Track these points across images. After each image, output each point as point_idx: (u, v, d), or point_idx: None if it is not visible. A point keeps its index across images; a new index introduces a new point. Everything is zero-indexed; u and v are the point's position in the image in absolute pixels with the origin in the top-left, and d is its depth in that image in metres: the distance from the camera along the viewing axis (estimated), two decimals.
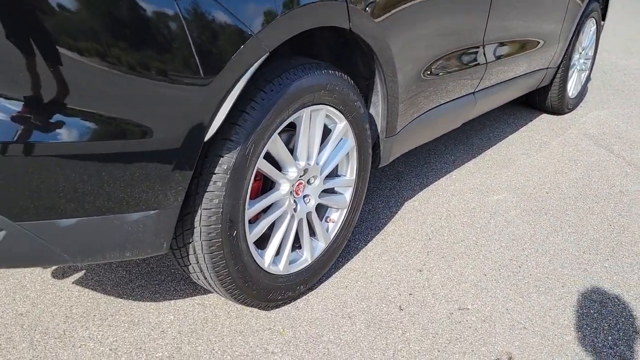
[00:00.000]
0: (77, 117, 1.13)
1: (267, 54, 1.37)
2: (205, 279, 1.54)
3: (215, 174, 1.39)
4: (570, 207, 2.48)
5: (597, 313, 1.80)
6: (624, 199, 2.57)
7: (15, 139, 1.09)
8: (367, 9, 1.62)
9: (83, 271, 1.88)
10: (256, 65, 1.36)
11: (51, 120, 1.11)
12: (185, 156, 1.29)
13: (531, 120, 3.61)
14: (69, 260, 1.27)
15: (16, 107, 1.08)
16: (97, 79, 1.12)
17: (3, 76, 1.06)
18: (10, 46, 1.03)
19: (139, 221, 1.30)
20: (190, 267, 1.53)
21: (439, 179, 2.69)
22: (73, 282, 1.83)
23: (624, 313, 1.81)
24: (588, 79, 4.00)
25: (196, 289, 1.82)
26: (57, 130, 1.12)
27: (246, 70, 1.33)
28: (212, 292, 1.79)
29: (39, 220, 1.18)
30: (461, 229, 2.26)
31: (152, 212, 1.31)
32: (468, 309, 1.79)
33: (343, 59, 1.86)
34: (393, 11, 1.73)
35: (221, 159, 1.39)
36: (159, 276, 1.88)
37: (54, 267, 1.89)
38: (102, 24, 1.09)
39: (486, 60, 2.46)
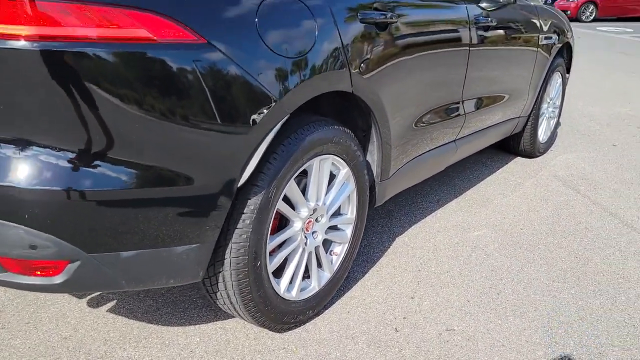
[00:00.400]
0: (136, 169, 1.41)
1: (288, 115, 1.67)
2: (231, 303, 1.80)
3: (244, 213, 1.67)
4: (542, 241, 2.79)
5: (564, 332, 2.08)
6: (589, 235, 2.89)
7: (79, 186, 1.36)
8: (363, 73, 1.94)
9: (114, 301, 2.12)
10: (279, 125, 1.66)
11: (111, 170, 1.39)
12: (222, 199, 1.57)
13: (506, 163, 3.96)
14: (125, 286, 1.53)
15: (85, 159, 1.36)
16: (157, 140, 1.41)
17: (66, 133, 1.34)
18: (71, 109, 1.31)
19: (183, 253, 1.57)
20: (218, 293, 1.79)
21: (426, 217, 3.00)
22: (107, 310, 2.06)
23: (587, 332, 2.09)
24: (557, 125, 4.39)
25: (217, 315, 2.06)
26: (120, 178, 1.40)
27: (271, 129, 1.63)
28: (231, 318, 2.04)
29: (105, 252, 1.45)
30: (446, 261, 2.54)
31: (194, 245, 1.58)
32: (454, 330, 2.06)
33: (345, 114, 2.17)
34: (385, 76, 2.06)
35: (249, 200, 1.67)
36: (182, 304, 2.12)
37: (89, 297, 2.13)
38: (156, 92, 1.39)
39: (465, 112, 2.80)
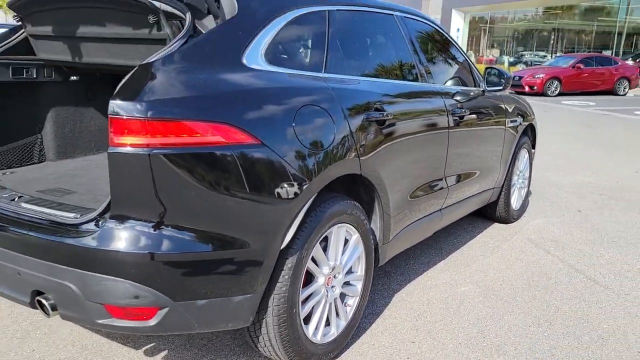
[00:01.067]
0: (209, 236, 1.90)
1: (315, 194, 2.19)
2: (271, 345, 2.23)
3: (283, 270, 2.14)
4: (519, 294, 3.28)
5: None
6: (558, 288, 3.38)
7: (169, 250, 1.84)
8: (368, 159, 2.48)
9: (167, 350, 2.53)
10: (310, 201, 2.17)
11: (190, 238, 1.87)
12: (269, 259, 2.05)
13: (485, 229, 4.49)
14: (197, 329, 1.97)
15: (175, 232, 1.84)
16: (226, 215, 1.90)
17: (158, 210, 1.82)
18: (162, 193, 1.80)
19: (240, 302, 2.03)
20: (260, 337, 2.23)
21: (418, 276, 3.47)
22: (162, 358, 2.47)
23: None
24: (528, 194, 4.98)
25: (252, 359, 2.48)
26: (197, 243, 1.88)
27: (304, 205, 2.14)
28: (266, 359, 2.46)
29: (186, 300, 1.90)
30: (439, 312, 3.00)
31: (248, 295, 2.04)
32: (422, 346, 2.51)
33: (352, 190, 2.69)
34: (384, 160, 2.61)
35: (287, 260, 2.15)
36: (223, 351, 2.54)
37: (146, 347, 2.53)
38: (226, 180, 1.90)
39: (447, 185, 3.35)
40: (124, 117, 1.76)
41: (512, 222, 4.65)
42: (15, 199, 2.17)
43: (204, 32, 2.11)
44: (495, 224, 4.63)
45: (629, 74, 19.48)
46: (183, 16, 2.12)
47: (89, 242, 1.83)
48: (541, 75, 18.27)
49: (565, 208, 5.16)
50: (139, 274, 1.82)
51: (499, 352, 2.63)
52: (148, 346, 2.56)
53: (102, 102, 3.13)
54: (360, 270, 2.63)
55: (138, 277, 1.82)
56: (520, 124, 4.38)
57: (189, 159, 1.82)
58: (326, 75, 2.46)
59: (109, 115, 1.76)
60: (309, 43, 2.53)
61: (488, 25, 36.07)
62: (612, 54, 25.01)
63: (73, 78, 2.94)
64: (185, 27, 2.05)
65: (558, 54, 27.99)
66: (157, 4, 2.11)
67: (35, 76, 2.75)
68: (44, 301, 1.91)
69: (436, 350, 2.62)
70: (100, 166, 2.88)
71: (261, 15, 2.24)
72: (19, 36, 2.70)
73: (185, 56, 1.95)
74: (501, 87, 3.85)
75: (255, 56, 2.15)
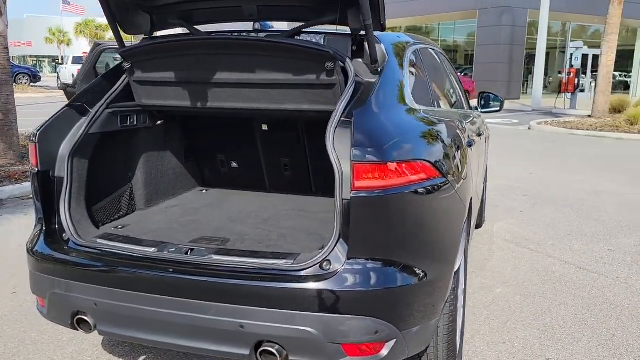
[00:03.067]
0: (420, 270, 2.01)
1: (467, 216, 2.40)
2: (437, 357, 2.35)
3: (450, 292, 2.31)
4: (544, 289, 3.74)
5: (605, 327, 2.98)
6: (566, 279, 3.92)
7: (392, 284, 1.93)
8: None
9: None
10: (466, 224, 2.37)
11: (407, 273, 1.98)
12: (450, 284, 2.21)
13: None
14: (407, 355, 2.06)
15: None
16: (434, 251, 2.04)
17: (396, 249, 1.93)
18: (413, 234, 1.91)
19: (433, 324, 2.15)
20: (425, 355, 2.35)
21: None
22: None
23: (601, 318, 3.01)
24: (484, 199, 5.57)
25: None
26: (411, 277, 1.99)
27: (464, 228, 2.33)
28: None
29: (406, 329, 1.99)
30: (499, 313, 3.34)
31: (437, 318, 2.17)
32: (550, 358, 2.84)
33: None
34: (472, 181, 2.89)
35: (450, 282, 2.31)
36: None
37: None
38: (430, 214, 2.04)
39: (477, 194, 3.73)
40: (367, 163, 1.81)
41: (481, 226, 5.18)
42: (189, 252, 2.04)
43: (358, 76, 2.21)
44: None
45: (468, 87, 21.99)
46: (342, 63, 2.19)
47: (330, 285, 1.84)
48: None
49: (508, 210, 5.85)
50: (379, 309, 1.87)
51: (574, 339, 3.03)
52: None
53: (176, 144, 2.95)
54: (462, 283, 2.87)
55: (378, 313, 1.87)
56: (487, 136, 4.93)
57: (412, 196, 1.93)
58: (436, 109, 2.68)
59: (352, 162, 1.80)
60: (421, 80, 2.72)
61: None
62: None
63: (158, 122, 2.75)
64: (352, 73, 2.13)
65: None
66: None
67: (135, 123, 2.54)
68: (271, 349, 1.86)
69: (528, 346, 2.94)
70: (199, 211, 2.72)
71: (400, 58, 2.40)
72: (121, 84, 2.47)
73: (380, 102, 2.06)
74: (498, 109, 4.35)
75: (410, 97, 2.30)
